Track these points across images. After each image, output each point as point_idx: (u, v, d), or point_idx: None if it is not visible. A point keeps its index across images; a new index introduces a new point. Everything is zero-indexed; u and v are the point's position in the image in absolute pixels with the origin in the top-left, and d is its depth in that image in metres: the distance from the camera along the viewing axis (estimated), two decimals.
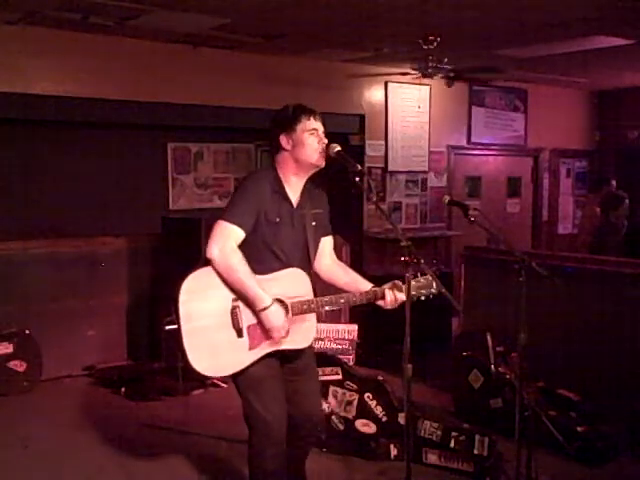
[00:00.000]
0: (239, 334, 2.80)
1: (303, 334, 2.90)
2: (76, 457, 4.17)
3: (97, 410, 5.01)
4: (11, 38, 5.34)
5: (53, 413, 4.94)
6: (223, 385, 5.48)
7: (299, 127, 2.87)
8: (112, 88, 5.82)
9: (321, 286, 3.05)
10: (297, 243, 2.93)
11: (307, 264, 2.96)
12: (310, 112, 2.90)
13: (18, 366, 5.38)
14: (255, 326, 2.82)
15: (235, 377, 2.90)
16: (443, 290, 2.81)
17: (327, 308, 2.87)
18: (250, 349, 2.81)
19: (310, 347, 3.12)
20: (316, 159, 2.88)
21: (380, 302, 2.96)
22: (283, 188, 2.91)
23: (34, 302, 5.59)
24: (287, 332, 2.83)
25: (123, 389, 5.33)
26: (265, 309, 2.75)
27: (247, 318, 2.81)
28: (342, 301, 2.90)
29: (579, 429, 4.06)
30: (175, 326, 2.77)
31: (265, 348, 2.84)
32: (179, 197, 7.17)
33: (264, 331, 2.81)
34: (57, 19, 5.16)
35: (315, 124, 2.88)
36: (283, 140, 2.89)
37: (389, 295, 2.92)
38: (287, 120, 2.89)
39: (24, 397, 5.28)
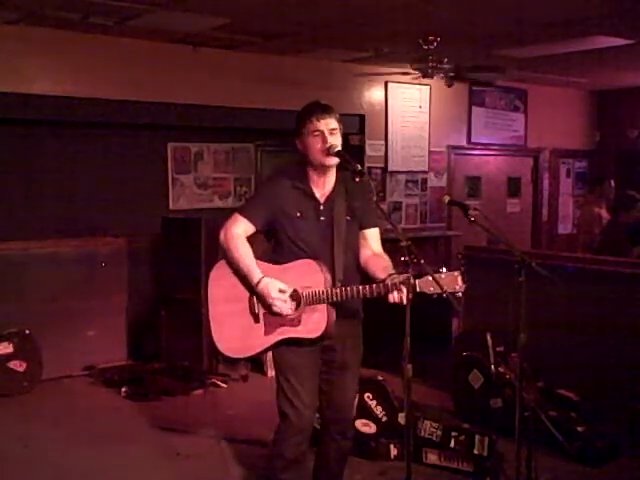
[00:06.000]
0: (256, 320, 2.93)
1: (311, 324, 2.91)
2: (76, 457, 4.17)
3: (97, 410, 5.01)
4: (11, 38, 5.34)
5: (53, 413, 4.95)
6: (223, 385, 5.49)
7: (304, 130, 2.92)
8: (112, 88, 5.82)
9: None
10: (322, 237, 2.95)
11: (330, 257, 2.94)
12: (313, 113, 2.91)
13: (18, 366, 5.38)
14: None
15: (274, 357, 3.02)
16: (443, 290, 2.80)
17: (336, 299, 2.86)
18: (266, 334, 2.92)
19: (356, 344, 3.12)
20: (321, 159, 2.90)
21: (389, 296, 2.80)
22: (307, 184, 2.97)
23: (34, 302, 5.58)
24: (299, 320, 2.88)
25: (123, 389, 5.32)
26: (257, 285, 2.86)
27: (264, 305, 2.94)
28: (352, 293, 2.86)
29: (579, 429, 4.06)
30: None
31: (279, 335, 2.91)
32: (179, 197, 7.17)
33: (278, 318, 2.89)
34: (57, 19, 5.16)
35: (319, 125, 2.89)
36: (297, 144, 2.98)
37: (391, 298, 2.77)
38: (297, 125, 2.96)
39: (24, 397, 5.28)
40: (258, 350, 2.97)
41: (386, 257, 3.04)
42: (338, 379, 3.08)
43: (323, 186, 2.99)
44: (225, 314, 2.97)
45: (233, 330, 2.96)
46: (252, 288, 2.89)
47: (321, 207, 2.96)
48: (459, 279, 2.77)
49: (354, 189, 3.02)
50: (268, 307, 2.88)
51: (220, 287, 2.99)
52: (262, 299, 2.88)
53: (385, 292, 2.79)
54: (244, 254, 2.92)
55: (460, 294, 2.78)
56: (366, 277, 3.02)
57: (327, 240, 2.95)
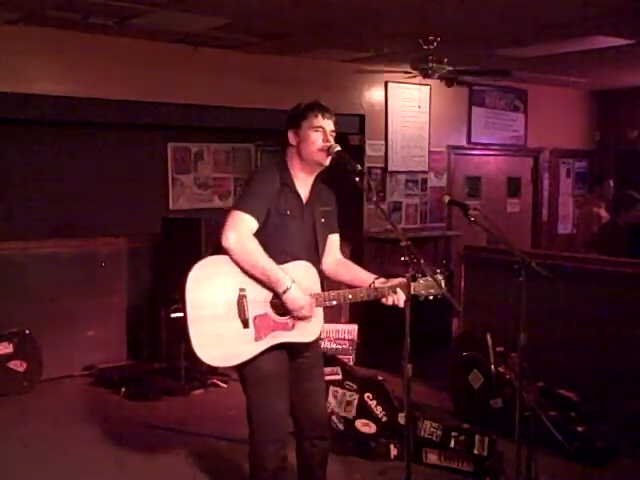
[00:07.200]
0: (245, 325, 2.76)
1: (309, 328, 2.88)
2: (76, 457, 4.17)
3: (97, 410, 5.01)
4: (11, 38, 5.34)
5: (53, 413, 4.95)
6: (223, 385, 5.49)
7: (305, 123, 2.88)
8: (112, 88, 5.82)
9: (328, 283, 3.06)
10: (305, 238, 2.94)
11: (315, 259, 2.95)
12: (319, 109, 2.89)
13: (18, 366, 5.38)
14: (262, 317, 2.79)
15: (241, 370, 2.87)
16: (444, 290, 2.82)
17: (334, 303, 2.86)
18: (256, 340, 2.78)
19: (318, 347, 3.13)
20: (318, 157, 2.88)
21: (383, 300, 2.92)
22: (292, 182, 2.93)
23: (34, 302, 5.59)
24: (293, 325, 2.83)
25: (123, 389, 5.33)
26: (287, 290, 2.74)
27: (253, 309, 2.78)
28: (350, 297, 2.88)
29: (579, 429, 4.07)
30: (181, 314, 2.74)
31: (270, 340, 2.81)
32: (179, 197, 7.18)
33: (270, 323, 2.80)
34: (57, 19, 5.16)
35: (322, 122, 2.88)
36: (290, 136, 2.93)
37: (390, 299, 2.90)
38: (295, 116, 2.92)
39: (24, 397, 5.28)
40: (246, 358, 2.78)
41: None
42: (309, 385, 3.04)
43: (305, 186, 2.97)
44: (208, 319, 2.72)
45: (218, 336, 2.73)
46: (279, 294, 2.75)
47: (304, 207, 2.94)
48: (442, 283, 2.92)
49: (324, 194, 3.06)
50: (291, 311, 2.78)
51: (202, 290, 2.73)
52: (289, 304, 2.75)
53: (382, 295, 2.91)
54: (265, 258, 2.76)
55: (441, 295, 2.95)
56: (334, 282, 3.06)
57: (308, 242, 2.94)
